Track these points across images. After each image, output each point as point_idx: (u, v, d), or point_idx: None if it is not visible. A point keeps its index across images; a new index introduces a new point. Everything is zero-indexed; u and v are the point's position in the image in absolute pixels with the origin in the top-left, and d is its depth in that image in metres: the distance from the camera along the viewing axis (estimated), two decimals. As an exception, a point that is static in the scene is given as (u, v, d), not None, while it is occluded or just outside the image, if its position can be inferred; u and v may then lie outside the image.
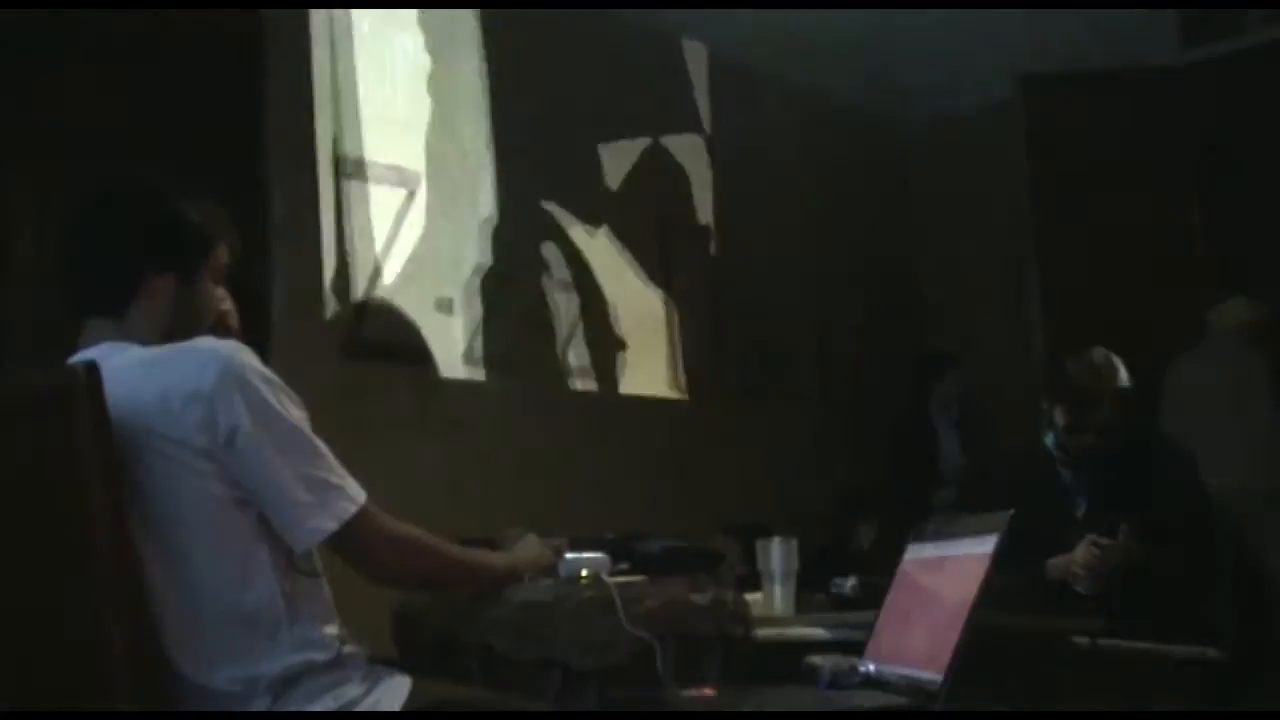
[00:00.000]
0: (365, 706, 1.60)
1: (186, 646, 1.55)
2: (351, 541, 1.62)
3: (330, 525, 1.58)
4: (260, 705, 1.54)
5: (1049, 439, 3.09)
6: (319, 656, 1.59)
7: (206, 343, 1.60)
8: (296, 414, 1.60)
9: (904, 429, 5.52)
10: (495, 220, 4.60)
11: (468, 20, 4.60)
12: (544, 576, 1.96)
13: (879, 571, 2.39)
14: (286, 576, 1.59)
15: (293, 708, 1.55)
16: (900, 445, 5.48)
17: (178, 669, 1.54)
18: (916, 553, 2.00)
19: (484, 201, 4.57)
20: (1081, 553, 2.83)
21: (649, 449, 4.88)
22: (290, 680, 1.56)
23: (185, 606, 1.54)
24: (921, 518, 4.63)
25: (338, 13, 4.20)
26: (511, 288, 4.62)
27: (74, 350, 1.68)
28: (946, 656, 1.64)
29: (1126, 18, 5.19)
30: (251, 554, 1.57)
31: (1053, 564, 2.89)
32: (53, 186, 3.44)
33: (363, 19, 4.28)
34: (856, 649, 1.93)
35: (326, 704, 1.57)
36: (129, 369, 1.56)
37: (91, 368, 1.48)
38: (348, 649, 1.63)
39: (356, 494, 1.62)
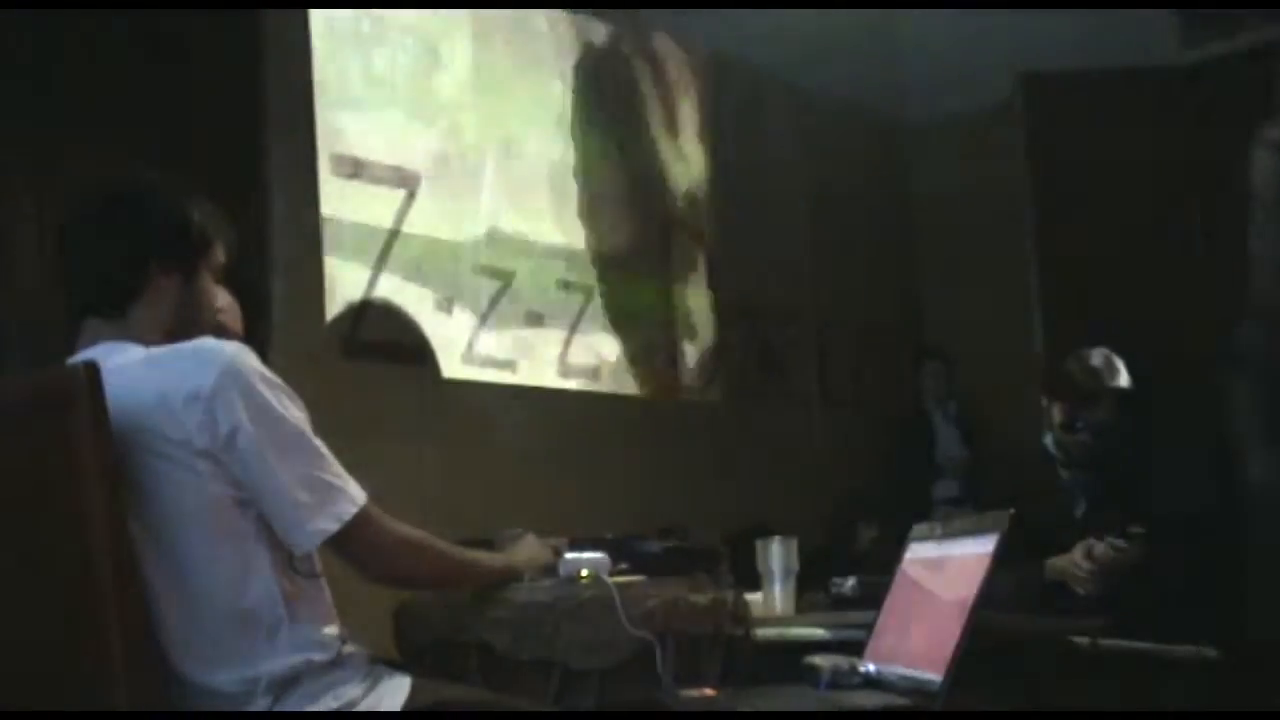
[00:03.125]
0: (365, 706, 1.60)
1: (187, 647, 1.55)
2: (352, 543, 1.62)
3: (330, 526, 1.58)
4: (260, 705, 1.54)
5: (1048, 439, 3.10)
6: (319, 657, 1.59)
7: (207, 343, 1.60)
8: (297, 415, 1.60)
9: (900, 426, 5.53)
10: (495, 220, 4.60)
11: (467, 20, 4.59)
12: (544, 576, 1.97)
13: (879, 571, 2.39)
14: (286, 577, 1.59)
15: (293, 708, 1.55)
16: (897, 442, 5.49)
17: (178, 669, 1.54)
18: (916, 552, 2.00)
19: (484, 201, 4.57)
20: (1080, 557, 2.82)
21: (649, 449, 4.88)
22: (290, 680, 1.56)
23: (185, 607, 1.55)
24: (922, 514, 4.65)
25: (338, 13, 4.20)
26: (512, 288, 4.62)
27: (72, 350, 1.68)
28: (946, 656, 1.64)
29: (1127, 18, 5.19)
30: (251, 554, 1.57)
31: (1051, 564, 2.89)
32: (52, 187, 3.44)
33: (362, 19, 4.27)
34: (856, 649, 1.93)
35: (326, 704, 1.57)
36: (129, 369, 1.57)
37: (91, 367, 1.48)
38: (348, 649, 1.64)
39: (357, 495, 1.62)
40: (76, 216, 1.72)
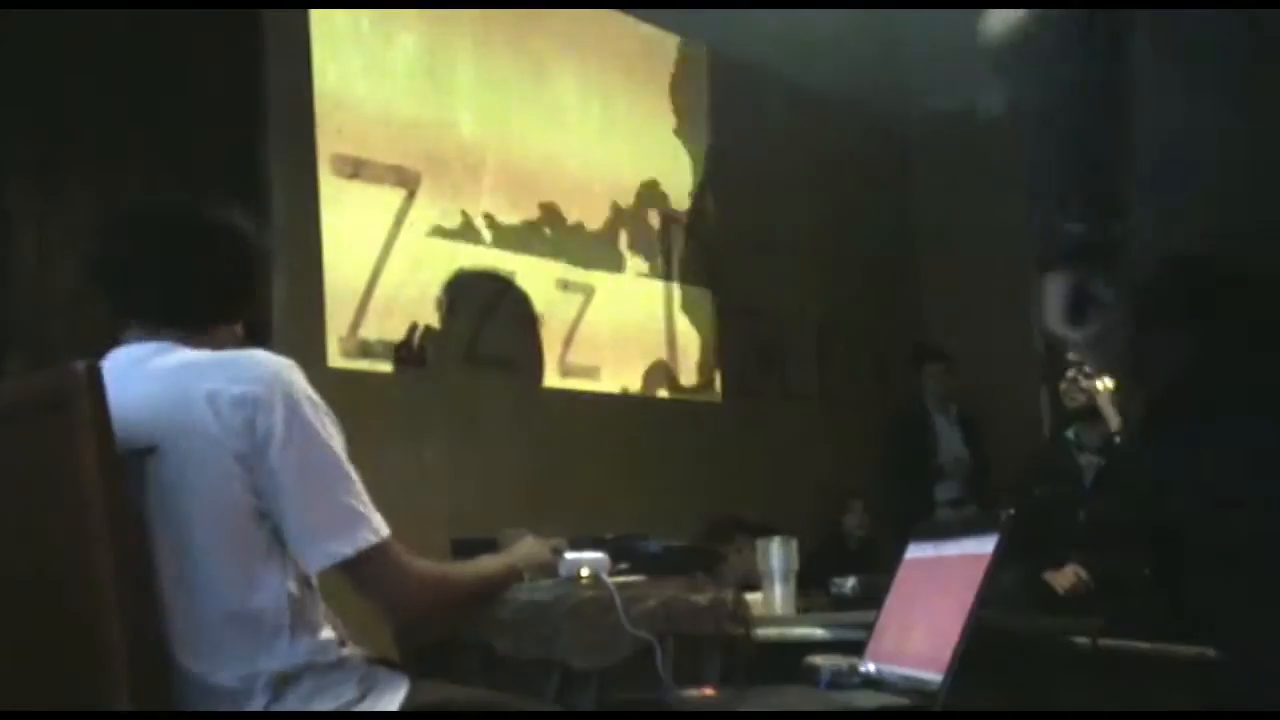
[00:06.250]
0: (363, 708, 1.60)
1: (190, 642, 1.56)
2: (366, 573, 1.63)
3: (346, 551, 1.60)
4: (259, 702, 1.55)
5: (1070, 432, 3.19)
6: (319, 659, 1.60)
7: (260, 353, 1.64)
8: (334, 437, 1.62)
9: (901, 427, 5.54)
10: (495, 219, 4.60)
11: (468, 19, 4.59)
12: (544, 576, 1.97)
13: (876, 569, 2.40)
14: (294, 585, 1.60)
15: (291, 706, 1.56)
16: (898, 443, 5.50)
17: (180, 662, 1.55)
18: (917, 552, 2.00)
19: (484, 201, 4.57)
20: (1067, 581, 2.89)
21: (649, 449, 4.88)
22: (290, 678, 1.57)
23: (193, 604, 1.56)
24: (924, 514, 4.71)
25: (338, 12, 4.20)
26: (512, 287, 4.62)
27: (82, 352, 1.69)
28: (946, 656, 1.64)
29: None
30: (264, 563, 1.58)
31: (1049, 577, 2.95)
32: (53, 187, 3.44)
33: (362, 18, 4.28)
34: (856, 649, 1.93)
35: (324, 704, 1.58)
36: (177, 369, 1.60)
37: (92, 367, 1.49)
38: (346, 651, 1.64)
39: (380, 527, 1.64)
40: (188, 237, 1.73)
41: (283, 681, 1.56)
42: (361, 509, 1.62)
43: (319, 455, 1.59)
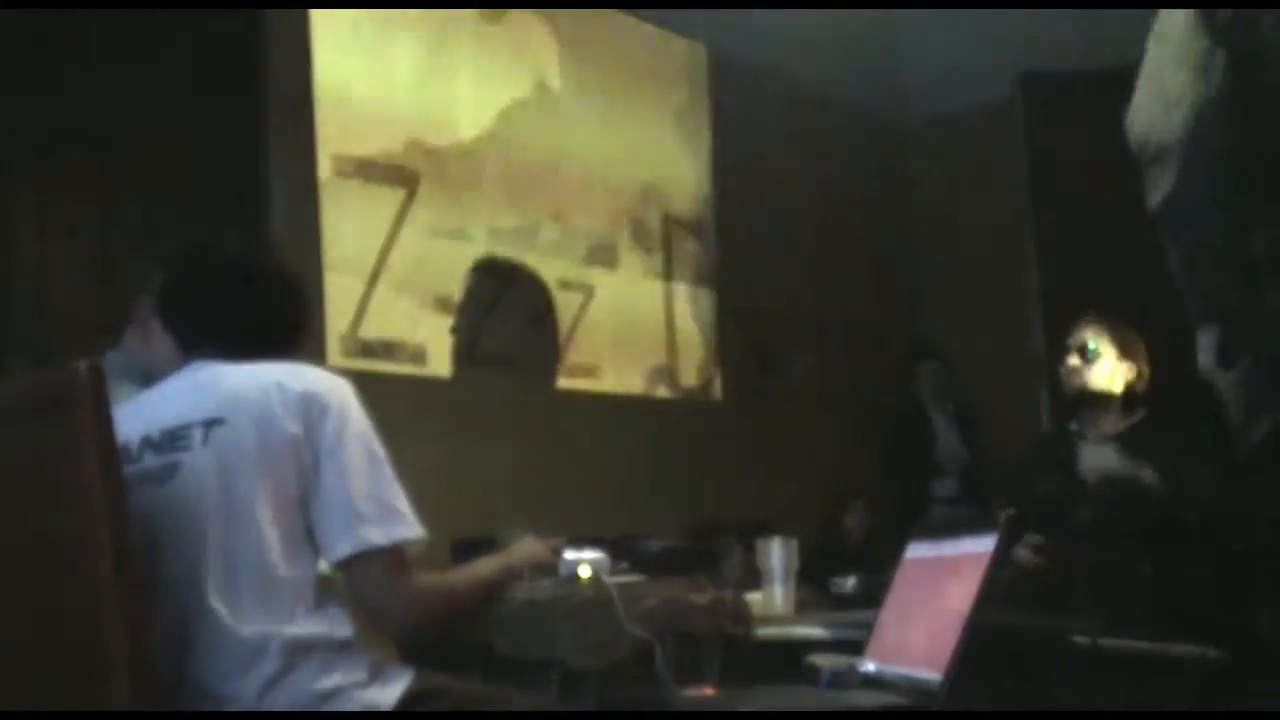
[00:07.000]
0: (371, 691, 1.66)
1: (223, 586, 1.64)
2: (383, 575, 1.71)
3: (378, 540, 1.68)
4: (272, 665, 1.62)
5: (1074, 425, 3.21)
6: (334, 633, 1.66)
7: (321, 369, 1.81)
8: (381, 444, 1.75)
9: (899, 425, 5.55)
10: (496, 219, 4.60)
11: (468, 19, 4.60)
12: (544, 576, 1.97)
13: (875, 567, 2.40)
14: (322, 570, 1.71)
15: (300, 678, 1.62)
16: (896, 441, 5.51)
17: (212, 604, 1.63)
18: (917, 551, 2.00)
19: (484, 201, 4.57)
20: (1022, 556, 2.88)
21: (649, 449, 4.88)
22: (303, 648, 1.63)
23: (233, 554, 1.65)
24: (922, 511, 4.70)
25: (338, 12, 4.20)
26: (511, 287, 4.63)
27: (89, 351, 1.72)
28: (946, 656, 1.64)
29: (1127, 18, 5.19)
30: (302, 545, 1.69)
31: (1013, 554, 2.94)
32: (53, 187, 3.44)
33: (362, 18, 4.28)
34: (856, 649, 1.93)
35: (333, 679, 1.64)
36: (248, 368, 1.77)
37: (93, 367, 1.49)
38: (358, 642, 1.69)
39: (416, 528, 1.73)
40: (261, 283, 1.91)
41: (295, 649, 1.63)
42: (403, 508, 1.73)
43: (367, 454, 1.72)
